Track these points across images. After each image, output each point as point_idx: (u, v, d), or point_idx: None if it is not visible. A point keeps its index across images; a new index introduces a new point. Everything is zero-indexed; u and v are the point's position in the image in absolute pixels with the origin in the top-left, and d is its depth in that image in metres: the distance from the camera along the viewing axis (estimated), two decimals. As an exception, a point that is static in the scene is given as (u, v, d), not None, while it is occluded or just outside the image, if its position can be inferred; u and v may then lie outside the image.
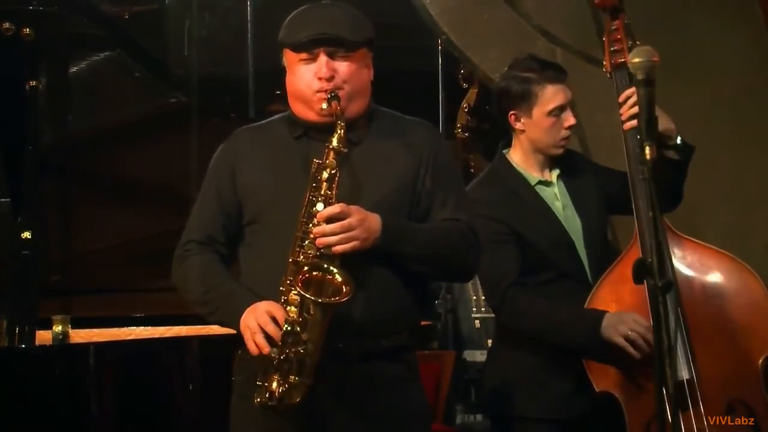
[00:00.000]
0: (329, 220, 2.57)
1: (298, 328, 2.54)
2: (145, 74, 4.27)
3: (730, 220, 4.52)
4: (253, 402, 2.60)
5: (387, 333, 2.70)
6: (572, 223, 3.31)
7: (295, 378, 2.55)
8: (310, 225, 2.59)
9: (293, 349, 2.54)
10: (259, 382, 2.59)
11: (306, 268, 2.56)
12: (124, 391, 3.69)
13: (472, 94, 5.96)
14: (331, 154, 2.62)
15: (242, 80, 5.47)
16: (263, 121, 2.91)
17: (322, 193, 2.61)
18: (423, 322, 2.99)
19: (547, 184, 3.36)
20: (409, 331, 2.77)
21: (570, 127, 3.32)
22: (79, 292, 4.22)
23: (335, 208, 2.58)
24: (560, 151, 3.34)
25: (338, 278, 2.56)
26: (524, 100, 3.29)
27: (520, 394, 3.27)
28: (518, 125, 3.32)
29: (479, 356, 5.27)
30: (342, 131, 2.63)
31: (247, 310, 2.62)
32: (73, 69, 4.26)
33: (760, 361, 3.08)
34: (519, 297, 3.20)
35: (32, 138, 4.00)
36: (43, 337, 4.04)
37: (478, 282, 5.37)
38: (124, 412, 3.67)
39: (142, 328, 4.28)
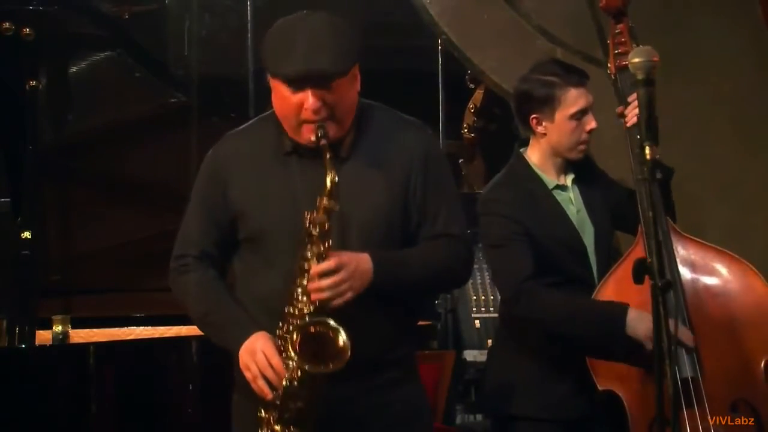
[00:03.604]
0: (323, 274, 2.56)
1: (296, 384, 2.55)
2: (145, 74, 4.27)
3: (730, 220, 4.51)
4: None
5: (381, 368, 2.70)
6: (585, 228, 3.30)
7: (295, 429, 2.59)
8: (304, 281, 2.57)
9: (293, 405, 2.57)
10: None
11: (303, 328, 2.56)
12: (124, 391, 3.69)
13: (478, 94, 5.93)
14: (322, 211, 2.57)
15: (242, 80, 5.45)
16: (250, 123, 2.85)
17: (315, 250, 2.57)
18: (423, 322, 2.99)
19: (563, 188, 3.34)
20: (405, 364, 2.78)
21: (591, 131, 3.31)
22: (79, 292, 4.22)
23: (330, 264, 2.55)
24: (580, 155, 3.33)
25: (339, 341, 2.53)
26: (547, 104, 3.27)
27: (520, 393, 3.27)
28: (540, 129, 3.30)
29: (479, 356, 5.26)
30: (333, 186, 2.55)
31: (244, 346, 2.62)
32: (73, 69, 4.26)
33: (763, 361, 3.08)
34: (537, 288, 3.17)
35: (32, 138, 4.00)
36: (43, 337, 4.04)
37: (478, 282, 5.40)
38: (124, 411, 3.68)
39: (142, 328, 4.28)
